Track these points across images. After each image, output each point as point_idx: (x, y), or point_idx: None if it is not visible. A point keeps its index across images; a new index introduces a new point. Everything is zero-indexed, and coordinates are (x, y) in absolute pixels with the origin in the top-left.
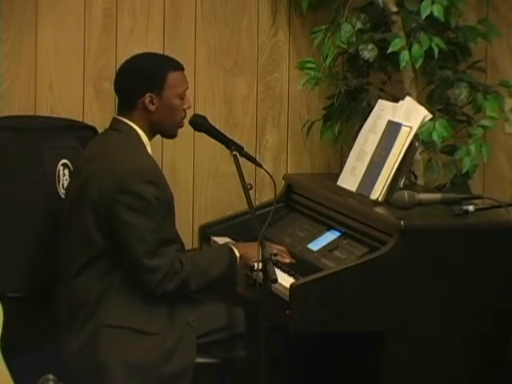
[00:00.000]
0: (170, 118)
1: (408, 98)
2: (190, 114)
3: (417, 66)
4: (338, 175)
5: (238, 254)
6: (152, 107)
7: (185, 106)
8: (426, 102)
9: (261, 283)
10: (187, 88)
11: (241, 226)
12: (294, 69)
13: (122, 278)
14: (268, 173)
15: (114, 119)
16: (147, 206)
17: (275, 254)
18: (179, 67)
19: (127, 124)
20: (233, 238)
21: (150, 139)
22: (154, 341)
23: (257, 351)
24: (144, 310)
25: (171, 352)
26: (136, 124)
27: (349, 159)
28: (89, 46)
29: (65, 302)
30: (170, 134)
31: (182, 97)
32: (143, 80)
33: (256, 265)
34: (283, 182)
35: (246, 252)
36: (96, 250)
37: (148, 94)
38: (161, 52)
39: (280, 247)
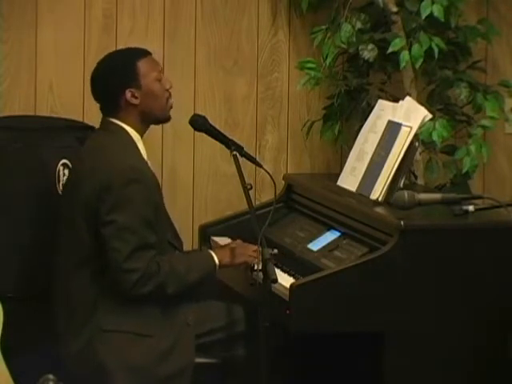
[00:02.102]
0: (157, 103)
1: (408, 98)
2: (190, 113)
3: (417, 66)
4: (338, 175)
5: (217, 260)
6: (136, 101)
7: (166, 87)
8: (426, 102)
9: (261, 283)
10: (161, 69)
11: (241, 226)
12: (294, 69)
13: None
14: (268, 173)
15: (104, 120)
16: (129, 205)
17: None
18: (145, 53)
19: (116, 124)
20: (233, 238)
21: (142, 134)
22: (152, 342)
23: (257, 351)
24: (140, 312)
25: (169, 352)
26: (125, 122)
27: (349, 159)
28: (89, 46)
29: (62, 304)
30: (164, 119)
31: (159, 79)
32: (118, 79)
33: (256, 265)
34: (283, 182)
35: (225, 257)
36: (87, 250)
37: (128, 90)
38: (161, 52)
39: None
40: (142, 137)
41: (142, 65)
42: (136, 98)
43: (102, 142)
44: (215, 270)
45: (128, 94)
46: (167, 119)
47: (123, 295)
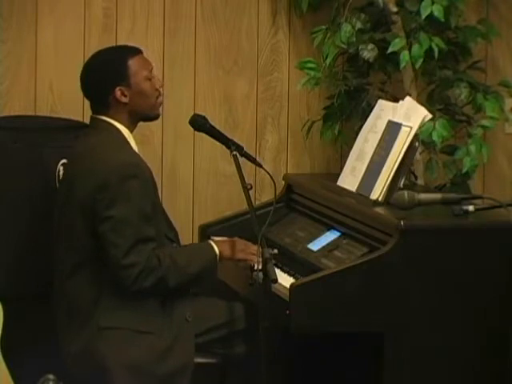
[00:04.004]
0: (146, 102)
1: (408, 98)
2: (190, 113)
3: (417, 66)
4: (337, 175)
5: (217, 251)
6: (125, 99)
7: (156, 86)
8: (426, 102)
9: (261, 283)
10: (152, 68)
11: (241, 226)
12: (294, 69)
13: (114, 279)
14: (268, 173)
15: (92, 118)
16: (126, 199)
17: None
18: (137, 51)
19: (106, 121)
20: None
21: (132, 131)
22: (152, 340)
23: (256, 351)
24: (140, 309)
25: (169, 349)
26: (115, 120)
27: (349, 159)
28: (89, 46)
29: (61, 304)
30: (153, 116)
31: (149, 78)
32: (107, 77)
33: (256, 265)
34: (283, 182)
35: (226, 249)
36: (85, 251)
37: (117, 88)
38: (161, 52)
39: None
40: (131, 133)
41: (133, 63)
42: (125, 96)
43: (93, 141)
44: (216, 261)
45: (118, 92)
46: (156, 117)
47: (124, 291)
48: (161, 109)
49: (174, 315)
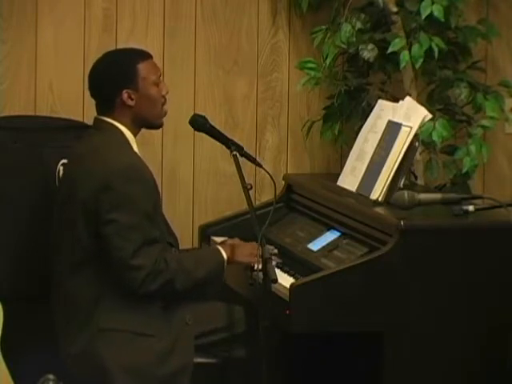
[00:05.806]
0: (151, 107)
1: (408, 98)
2: (190, 113)
3: (417, 66)
4: (337, 175)
5: (225, 256)
6: (131, 102)
7: (163, 93)
8: (426, 102)
9: (261, 283)
10: (160, 74)
11: (241, 226)
12: (294, 69)
13: (115, 281)
14: (268, 173)
15: (96, 119)
16: (130, 203)
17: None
18: (147, 56)
19: (110, 123)
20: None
21: (135, 135)
22: (152, 342)
23: (257, 351)
24: (140, 311)
25: (169, 352)
26: (119, 122)
27: (349, 159)
28: (89, 45)
29: (60, 304)
30: (155, 125)
31: (157, 83)
32: (116, 79)
33: (256, 265)
34: (283, 182)
35: (234, 254)
36: (85, 251)
37: (125, 91)
38: (161, 52)
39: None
40: (134, 137)
41: (143, 67)
42: (132, 99)
43: (96, 141)
44: (223, 265)
45: (124, 95)
46: (159, 126)
47: (131, 293)
48: (164, 119)
49: (174, 318)
